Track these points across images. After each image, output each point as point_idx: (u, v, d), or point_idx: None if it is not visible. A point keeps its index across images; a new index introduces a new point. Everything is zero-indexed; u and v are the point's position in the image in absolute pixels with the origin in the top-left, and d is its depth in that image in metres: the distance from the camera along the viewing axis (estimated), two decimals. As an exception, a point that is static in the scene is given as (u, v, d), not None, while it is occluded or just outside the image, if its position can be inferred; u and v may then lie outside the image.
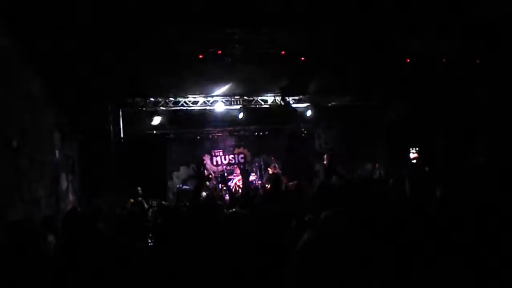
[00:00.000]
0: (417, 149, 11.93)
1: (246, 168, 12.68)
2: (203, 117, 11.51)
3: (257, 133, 13.11)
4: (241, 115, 11.08)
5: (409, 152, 11.95)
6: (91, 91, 8.29)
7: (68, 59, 6.64)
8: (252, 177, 12.44)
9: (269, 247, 2.72)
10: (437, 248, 2.21)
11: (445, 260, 2.12)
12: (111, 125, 9.99)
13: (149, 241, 3.72)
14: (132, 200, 7.49)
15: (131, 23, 5.78)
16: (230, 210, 3.34)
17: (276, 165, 11.29)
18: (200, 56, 7.41)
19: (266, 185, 11.06)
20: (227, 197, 10.54)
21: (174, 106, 10.66)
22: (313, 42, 7.52)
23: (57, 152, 7.55)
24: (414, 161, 11.81)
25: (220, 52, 7.29)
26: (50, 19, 5.51)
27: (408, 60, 8.72)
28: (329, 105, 11.63)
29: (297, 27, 6.73)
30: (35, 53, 6.10)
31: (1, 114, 5.02)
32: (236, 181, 12.27)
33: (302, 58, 7.92)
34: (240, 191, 11.70)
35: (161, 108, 10.67)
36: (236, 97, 10.70)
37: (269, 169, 11.29)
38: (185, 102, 10.62)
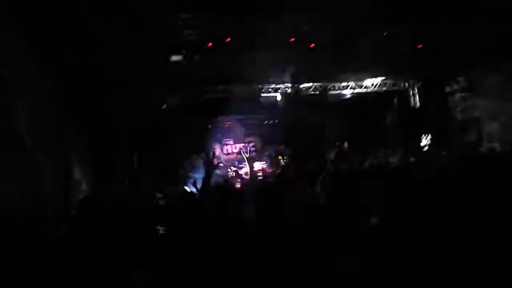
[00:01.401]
0: (429, 136, 11.77)
1: (252, 156, 12.70)
2: (214, 106, 11.52)
3: (267, 122, 13.08)
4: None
5: (421, 140, 11.80)
6: (101, 82, 8.33)
7: (79, 51, 6.66)
8: (264, 165, 12.47)
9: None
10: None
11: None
12: (121, 115, 10.04)
13: (159, 229, 3.75)
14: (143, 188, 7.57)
15: (137, 10, 5.76)
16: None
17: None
18: (209, 45, 7.36)
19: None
20: (238, 185, 10.58)
21: (184, 95, 10.67)
22: (324, 28, 7.42)
23: (68, 143, 7.63)
24: (426, 148, 11.66)
25: (228, 39, 7.23)
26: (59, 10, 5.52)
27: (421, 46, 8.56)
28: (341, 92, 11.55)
29: (307, 13, 6.64)
30: (46, 48, 6.12)
31: (13, 110, 5.06)
32: (247, 170, 12.31)
33: (312, 45, 7.82)
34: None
35: (172, 96, 10.68)
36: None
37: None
38: (195, 91, 10.61)
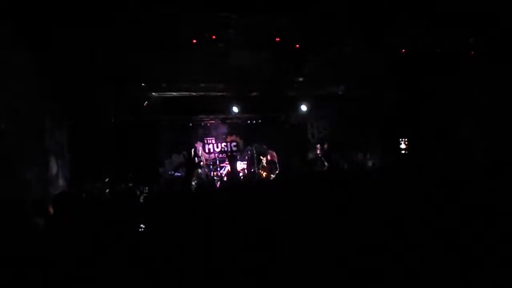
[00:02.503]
0: (406, 140, 11.94)
1: (234, 154, 12.67)
2: (196, 104, 11.41)
3: (250, 121, 13.06)
4: (235, 109, 11.18)
5: (400, 143, 11.97)
6: (82, 76, 8.17)
7: (61, 44, 6.50)
8: (244, 165, 12.43)
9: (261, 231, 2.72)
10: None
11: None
12: (102, 111, 9.87)
13: (140, 226, 3.70)
14: (122, 186, 7.45)
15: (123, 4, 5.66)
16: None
17: (274, 153, 11.34)
18: (194, 41, 7.28)
19: (261, 172, 11.14)
20: (218, 184, 10.54)
21: (167, 92, 10.54)
22: (308, 29, 7.46)
23: (46, 136, 7.46)
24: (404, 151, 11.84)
25: (214, 37, 7.17)
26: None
27: (403, 51, 8.71)
28: (322, 94, 11.60)
29: (293, 13, 6.66)
30: (28, 37, 5.97)
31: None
32: (228, 168, 12.27)
33: (297, 46, 7.83)
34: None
35: (154, 94, 10.53)
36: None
37: (263, 158, 11.37)
38: (178, 88, 10.49)
